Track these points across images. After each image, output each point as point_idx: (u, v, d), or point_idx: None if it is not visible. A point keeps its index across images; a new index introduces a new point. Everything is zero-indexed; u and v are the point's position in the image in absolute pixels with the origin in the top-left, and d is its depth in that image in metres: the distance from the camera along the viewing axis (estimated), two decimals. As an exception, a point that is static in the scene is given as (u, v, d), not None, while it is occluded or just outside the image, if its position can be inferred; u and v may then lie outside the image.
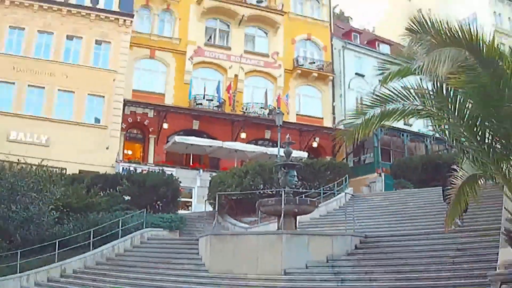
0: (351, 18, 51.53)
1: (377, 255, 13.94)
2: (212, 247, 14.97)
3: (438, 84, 7.89)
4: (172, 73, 32.56)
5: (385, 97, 8.25)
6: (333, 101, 35.62)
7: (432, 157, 28.02)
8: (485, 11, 42.05)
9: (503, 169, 7.75)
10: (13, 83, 28.38)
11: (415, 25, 7.54)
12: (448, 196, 9.66)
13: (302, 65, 34.70)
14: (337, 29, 38.35)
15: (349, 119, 9.94)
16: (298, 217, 16.54)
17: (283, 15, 34.65)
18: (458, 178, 9.10)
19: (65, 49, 30.23)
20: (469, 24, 6.86)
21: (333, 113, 34.86)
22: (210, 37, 34.19)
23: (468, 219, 14.97)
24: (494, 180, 8.44)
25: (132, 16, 30.82)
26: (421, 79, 8.29)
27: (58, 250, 16.10)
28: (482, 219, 14.82)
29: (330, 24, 37.49)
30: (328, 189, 22.96)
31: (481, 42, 7.27)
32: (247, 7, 33.87)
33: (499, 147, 7.86)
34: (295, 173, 17.12)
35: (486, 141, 8.04)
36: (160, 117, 30.81)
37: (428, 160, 27.89)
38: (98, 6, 30.81)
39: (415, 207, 20.43)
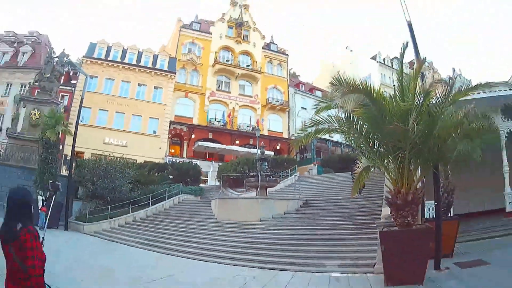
0: (300, 75, 57.10)
1: (312, 211, 15.47)
2: (219, 205, 16.81)
3: (348, 114, 8.38)
4: (197, 105, 36.39)
5: (317, 121, 8.81)
6: (288, 123, 39.62)
7: (345, 155, 30.83)
8: (376, 73, 46.96)
9: (384, 162, 8.40)
10: (107, 110, 32.56)
11: (335, 80, 7.91)
12: (353, 177, 10.45)
13: (271, 102, 39.53)
14: (291, 82, 44.24)
15: (297, 134, 10.94)
16: (268, 189, 18.83)
17: (261, 74, 39.64)
18: (359, 167, 9.62)
19: (137, 91, 34.28)
20: (366, 80, 7.00)
21: (288, 130, 38.84)
22: (219, 85, 38.19)
23: (366, 191, 15.12)
24: (379, 168, 8.95)
25: (175, 73, 35.48)
26: (338, 111, 8.63)
27: (131, 206, 18.60)
28: (374, 191, 15.41)
29: (287, 79, 42.58)
30: (285, 173, 26.16)
31: (372, 90, 7.79)
32: (240, 68, 38.67)
33: (382, 150, 8.48)
34: (266, 164, 19.60)
35: (375, 147, 8.66)
36: (190, 131, 35.20)
37: (342, 157, 30.95)
38: (156, 66, 35.25)
39: (335, 184, 22.59)
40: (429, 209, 11.92)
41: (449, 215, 11.74)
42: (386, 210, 8.92)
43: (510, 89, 13.59)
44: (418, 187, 8.40)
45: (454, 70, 44.84)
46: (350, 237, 11.07)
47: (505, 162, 13.78)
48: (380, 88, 8.61)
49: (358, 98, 7.31)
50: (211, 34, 38.15)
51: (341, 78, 7.64)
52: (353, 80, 7.56)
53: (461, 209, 14.03)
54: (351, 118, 8.17)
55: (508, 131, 14.36)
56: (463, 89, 8.63)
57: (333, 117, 8.44)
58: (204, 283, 8.05)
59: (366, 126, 8.19)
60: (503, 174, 13.78)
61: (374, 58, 49.73)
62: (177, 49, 36.39)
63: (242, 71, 38.08)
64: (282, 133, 38.61)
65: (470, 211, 15.11)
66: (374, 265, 8.41)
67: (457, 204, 13.35)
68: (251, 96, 38.35)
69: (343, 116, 8.32)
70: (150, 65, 34.40)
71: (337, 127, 8.50)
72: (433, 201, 10.22)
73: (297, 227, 13.20)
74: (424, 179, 10.54)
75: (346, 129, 8.50)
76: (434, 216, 10.35)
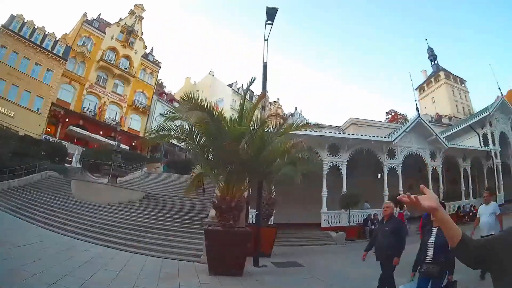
0: (165, 86, 60.69)
1: (154, 203, 16.42)
2: (77, 186, 17.13)
3: (190, 126, 9.18)
4: (76, 93, 36.13)
5: (164, 128, 9.44)
6: (146, 124, 40.80)
7: (187, 160, 31.53)
8: (229, 98, 52.59)
9: (215, 172, 9.39)
10: (5, 81, 30.05)
11: (186, 96, 8.64)
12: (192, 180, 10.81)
13: (136, 104, 41.35)
14: (157, 90, 47.13)
15: (148, 135, 12.29)
16: (118, 178, 19.95)
17: (134, 78, 41.25)
18: (195, 172, 11.56)
19: (33, 69, 32.27)
20: (217, 103, 7.79)
21: (145, 130, 38.29)
22: (98, 80, 38.29)
23: (207, 192, 16.83)
24: (209, 176, 9.85)
25: (67, 60, 34.60)
26: (182, 123, 9.31)
27: (7, 174, 17.79)
28: (207, 194, 16.82)
29: (154, 87, 45.22)
30: (135, 167, 27.53)
31: (214, 110, 8.82)
32: (119, 69, 39.90)
33: (213, 161, 9.52)
34: (120, 156, 20.65)
35: (209, 158, 9.65)
36: (66, 115, 34.44)
37: (185, 161, 32.99)
38: (53, 51, 33.58)
39: (175, 182, 24.21)
40: (252, 215, 13.90)
41: (269, 222, 13.97)
42: (213, 212, 10.33)
43: (334, 132, 16.60)
44: (242, 196, 9.77)
45: (296, 108, 51.76)
46: (184, 229, 12.51)
47: (324, 188, 17.79)
48: (222, 110, 9.82)
49: (201, 115, 8.39)
50: (105, 34, 40.84)
51: (191, 95, 8.72)
52: (201, 99, 8.80)
53: (284, 219, 17.09)
54: (193, 131, 9.35)
55: (331, 164, 17.90)
56: (294, 125, 10.45)
57: (178, 127, 9.49)
58: (55, 251, 8.41)
59: (204, 140, 9.45)
60: (322, 197, 16.97)
61: (231, 85, 56.87)
62: (74, 40, 37.97)
63: (119, 72, 40.87)
64: (140, 132, 41.12)
65: (292, 222, 18.50)
66: (201, 256, 9.61)
67: (281, 215, 16.35)
68: (121, 95, 40.86)
69: (187, 127, 9.44)
70: (50, 48, 34.71)
71: (180, 136, 9.57)
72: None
73: (139, 215, 14.14)
74: (251, 191, 12.31)
75: (187, 139, 9.60)
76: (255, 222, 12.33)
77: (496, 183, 26.88)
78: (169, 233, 12.09)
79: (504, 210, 23.61)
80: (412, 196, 1.56)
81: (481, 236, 6.90)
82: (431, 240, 4.20)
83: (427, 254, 4.18)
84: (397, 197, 1.81)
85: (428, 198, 1.60)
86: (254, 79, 10.17)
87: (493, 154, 27.58)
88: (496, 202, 10.96)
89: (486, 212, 7.51)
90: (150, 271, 8.09)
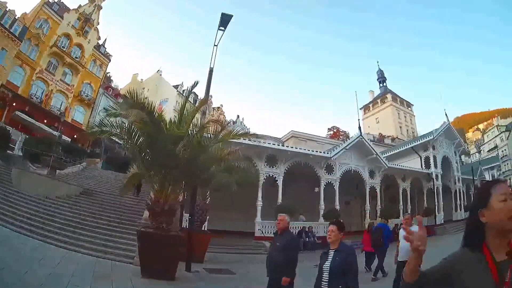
0: (113, 80, 60.09)
1: (90, 198, 16.68)
2: (17, 175, 16.91)
3: (130, 125, 9.46)
4: (26, 77, 35.08)
5: (106, 124, 9.56)
6: (90, 117, 40.60)
7: (126, 158, 29.85)
8: (173, 99, 53.46)
9: (150, 173, 9.76)
10: None
11: (129, 93, 8.99)
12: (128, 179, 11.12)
13: (82, 95, 40.56)
14: (104, 84, 46.78)
15: (89, 129, 11.58)
16: (57, 171, 20.39)
17: (83, 68, 40.91)
18: (131, 172, 11.05)
19: None
20: (161, 103, 8.86)
21: (88, 124, 36.26)
22: (49, 66, 37.63)
23: (142, 192, 17.89)
24: (144, 177, 10.46)
25: (22, 41, 33.87)
26: (123, 120, 9.53)
27: None
28: (143, 195, 17.72)
29: (102, 80, 44.75)
30: (75, 160, 27.95)
31: (154, 111, 9.19)
32: (70, 58, 39.46)
33: (150, 162, 9.74)
34: (61, 148, 21.61)
35: (145, 158, 9.89)
36: (13, 99, 33.08)
37: (124, 159, 31.99)
38: (11, 29, 32.84)
39: (113, 179, 24.54)
40: (186, 220, 14.13)
41: (203, 228, 14.48)
42: (147, 213, 10.75)
43: (273, 144, 17.69)
44: (176, 200, 10.26)
45: (238, 116, 52.75)
46: (119, 229, 12.84)
47: (260, 198, 18.48)
48: (162, 111, 10.34)
49: (141, 114, 8.71)
50: (63, 19, 40.26)
51: (133, 93, 9.12)
52: (142, 98, 9.22)
53: (219, 226, 17.71)
54: (132, 129, 9.72)
55: (268, 175, 18.78)
56: (233, 133, 11.11)
57: (118, 124, 9.80)
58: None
59: (142, 140, 9.83)
60: (257, 206, 17.83)
61: (176, 86, 58.69)
62: (32, 21, 37.11)
63: (70, 60, 40.46)
64: (83, 125, 39.65)
65: (227, 229, 19.19)
66: (134, 257, 9.93)
67: (216, 222, 17.12)
68: (69, 85, 40.35)
69: (126, 125, 9.76)
70: (7, 26, 33.68)
71: (119, 133, 9.89)
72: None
73: (76, 211, 14.23)
74: (186, 195, 12.78)
75: (125, 137, 9.95)
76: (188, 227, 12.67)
77: (436, 203, 29.37)
78: (105, 232, 12.37)
79: (443, 230, 26.97)
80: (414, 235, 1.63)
81: (399, 261, 7.13)
82: (327, 264, 3.86)
83: (323, 280, 3.83)
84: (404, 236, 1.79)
85: (424, 242, 1.64)
86: (197, 83, 10.80)
87: (434, 176, 30.03)
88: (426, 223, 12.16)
89: None
90: (84, 269, 8.27)
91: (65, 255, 9.43)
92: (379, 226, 12.19)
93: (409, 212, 11.20)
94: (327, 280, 3.80)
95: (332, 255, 3.95)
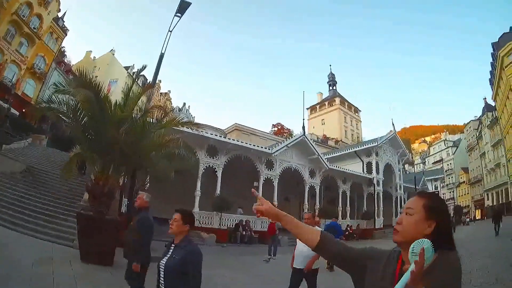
0: (66, 55, 57.05)
1: (34, 177, 16.86)
2: None
3: (76, 103, 9.87)
4: None
5: (53, 100, 10.00)
6: (39, 91, 39.14)
7: (72, 137, 28.97)
8: (123, 80, 50.67)
9: (93, 154, 9.93)
10: None
11: (78, 71, 9.78)
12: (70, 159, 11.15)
13: (35, 68, 39.68)
14: (57, 58, 46.16)
15: (38, 104, 12.37)
16: (3, 145, 20.52)
17: (40, 40, 40.12)
18: (74, 152, 11.05)
19: None
20: (110, 82, 9.70)
21: (37, 98, 32.84)
22: (6, 34, 36.23)
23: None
24: (88, 158, 10.41)
25: None
26: (71, 98, 9.90)
27: None
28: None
29: (56, 55, 43.97)
30: (20, 135, 26.68)
31: (101, 92, 9.89)
32: (28, 28, 38.45)
33: (93, 143, 10.14)
34: (8, 122, 21.74)
35: (89, 138, 10.35)
36: None
37: (70, 138, 28.11)
38: None
39: (57, 158, 23.67)
40: (125, 205, 14.68)
41: None
42: (87, 195, 11.25)
43: (216, 135, 19.18)
44: (116, 183, 10.83)
45: (184, 104, 53.84)
46: (61, 210, 13.19)
47: (198, 188, 19.79)
48: (108, 91, 11.28)
49: (88, 94, 9.31)
50: None
51: (83, 71, 9.73)
52: (91, 77, 9.92)
53: (159, 214, 18.42)
54: (78, 108, 10.15)
55: (207, 166, 20.13)
56: (176, 120, 12.05)
57: (65, 102, 10.20)
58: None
59: (86, 120, 10.36)
60: (195, 196, 19.21)
61: (127, 68, 60.26)
62: None
63: (28, 31, 39.49)
64: (32, 99, 38.36)
65: (166, 218, 19.46)
66: (74, 240, 10.21)
67: (155, 210, 17.50)
68: (23, 56, 39.21)
69: (73, 104, 10.16)
70: None
71: (65, 111, 10.29)
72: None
73: (19, 189, 14.54)
74: (126, 179, 13.61)
75: (71, 116, 10.36)
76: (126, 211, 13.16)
77: (376, 208, 32.15)
78: (47, 212, 12.72)
79: (382, 234, 29.37)
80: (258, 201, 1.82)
81: (294, 268, 6.12)
82: (164, 261, 3.31)
83: (160, 280, 3.27)
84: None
85: (265, 203, 1.80)
86: (145, 67, 11.63)
87: (375, 181, 32.70)
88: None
89: None
90: (25, 252, 8.52)
91: (7, 236, 9.62)
92: (332, 224, 13.90)
93: (308, 211, 12.24)
94: (163, 281, 3.25)
95: (172, 250, 3.42)
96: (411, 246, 1.30)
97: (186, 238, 3.46)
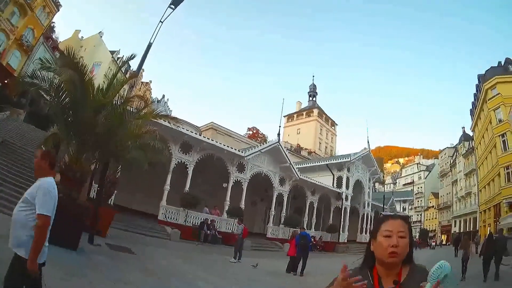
0: (55, 31, 53.67)
1: (9, 151, 16.62)
2: None
3: (59, 82, 10.01)
4: None
5: (36, 76, 10.04)
6: (24, 65, 38.28)
7: (50, 115, 28.75)
8: (107, 64, 52.22)
9: (70, 136, 10.20)
10: None
11: (66, 50, 9.80)
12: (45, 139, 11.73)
13: (23, 40, 38.47)
14: (46, 33, 44.50)
15: (20, 77, 13.06)
16: None
17: (31, 12, 38.69)
18: (51, 131, 11.96)
19: None
20: (94, 65, 9.65)
21: (21, 71, 34.40)
22: None
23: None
24: (64, 139, 10.52)
25: None
26: (55, 75, 10.10)
27: None
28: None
29: (45, 29, 42.55)
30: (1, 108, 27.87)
31: (85, 75, 9.97)
32: None
33: (71, 125, 10.28)
34: None
35: (68, 119, 10.43)
36: None
37: (47, 116, 29.68)
38: None
39: (33, 135, 24.06)
40: (94, 191, 15.21)
41: (109, 202, 15.77)
42: (58, 177, 10.66)
43: (191, 131, 19.82)
44: (89, 168, 11.20)
45: (164, 96, 53.85)
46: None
47: (168, 182, 20.26)
48: (91, 72, 11.40)
49: (72, 75, 9.55)
50: None
51: (71, 51, 9.92)
52: (79, 59, 10.03)
53: (126, 203, 19.21)
54: (60, 87, 10.32)
55: (179, 161, 20.66)
56: (154, 112, 12.51)
57: (48, 79, 10.36)
58: None
59: (67, 100, 10.54)
60: (164, 190, 19.71)
61: (113, 52, 59.69)
62: None
63: (22, 1, 38.17)
64: (16, 71, 37.63)
65: (133, 208, 20.93)
66: None
67: (123, 199, 18.45)
68: (13, 26, 38.30)
69: (56, 82, 10.36)
70: None
71: (47, 89, 10.42)
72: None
73: None
74: (98, 165, 13.89)
75: (53, 94, 10.52)
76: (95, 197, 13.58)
77: (342, 222, 33.20)
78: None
79: (345, 249, 30.71)
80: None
81: None
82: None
83: None
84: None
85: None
86: (134, 56, 11.66)
87: (344, 196, 33.73)
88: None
89: None
90: None
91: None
92: (303, 234, 15.13)
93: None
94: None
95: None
96: (433, 269, 1.49)
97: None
